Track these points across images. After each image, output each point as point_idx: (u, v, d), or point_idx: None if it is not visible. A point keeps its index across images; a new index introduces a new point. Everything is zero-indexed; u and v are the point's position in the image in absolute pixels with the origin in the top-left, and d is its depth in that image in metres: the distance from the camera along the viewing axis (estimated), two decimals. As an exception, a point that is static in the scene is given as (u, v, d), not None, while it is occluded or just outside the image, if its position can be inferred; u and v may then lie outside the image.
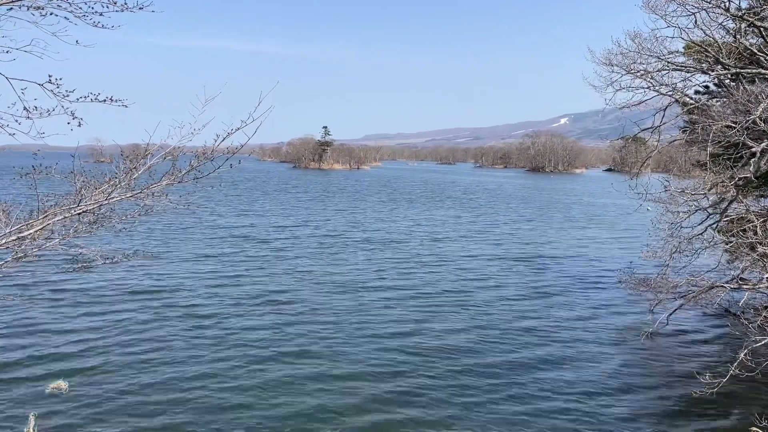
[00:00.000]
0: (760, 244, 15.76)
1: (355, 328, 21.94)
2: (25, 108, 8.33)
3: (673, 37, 20.56)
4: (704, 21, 19.36)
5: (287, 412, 14.96)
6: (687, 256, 20.42)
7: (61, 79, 8.25)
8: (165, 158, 9.46)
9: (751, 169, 17.34)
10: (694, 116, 20.46)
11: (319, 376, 17.31)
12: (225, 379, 16.90)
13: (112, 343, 19.58)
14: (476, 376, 17.62)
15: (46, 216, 9.08)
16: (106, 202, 9.26)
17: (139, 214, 10.59)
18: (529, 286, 29.85)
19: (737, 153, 18.15)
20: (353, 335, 21.16)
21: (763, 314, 14.61)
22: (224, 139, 8.94)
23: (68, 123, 8.48)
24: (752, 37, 20.37)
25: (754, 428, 14.04)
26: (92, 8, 8.45)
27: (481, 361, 18.97)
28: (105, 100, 8.78)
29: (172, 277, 29.40)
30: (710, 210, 20.94)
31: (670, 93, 21.84)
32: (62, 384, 15.85)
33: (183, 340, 20.03)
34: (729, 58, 19.22)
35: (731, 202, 20.19)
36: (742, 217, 18.76)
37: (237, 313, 23.54)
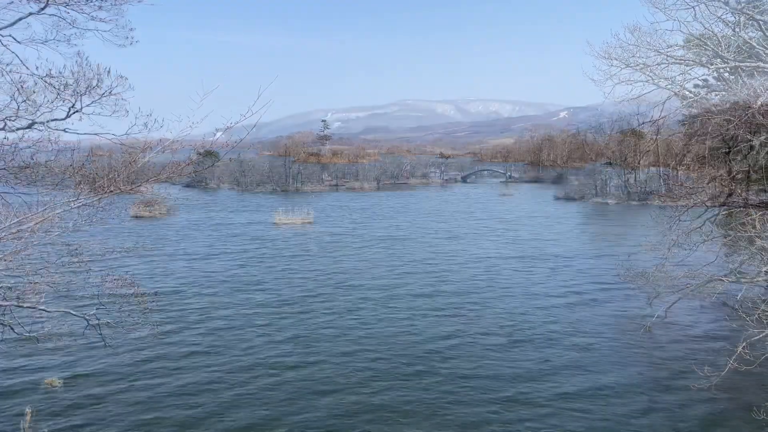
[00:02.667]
0: (759, 237, 15.81)
1: (358, 327, 22.00)
2: (25, 101, 8.35)
3: (672, 31, 20.47)
4: (704, 14, 19.31)
5: (293, 415, 15.01)
6: (685, 249, 20.42)
7: (62, 71, 8.27)
8: (164, 151, 9.49)
9: (749, 162, 17.34)
10: (693, 110, 20.42)
11: (327, 379, 17.38)
12: (224, 378, 16.95)
13: (111, 339, 19.59)
14: (475, 372, 17.70)
15: (46, 209, 9.11)
16: (106, 195, 9.29)
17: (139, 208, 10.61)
18: (530, 283, 29.93)
19: (736, 146, 18.14)
20: (357, 334, 21.22)
21: (761, 307, 14.66)
22: (223, 132, 8.98)
23: (70, 116, 8.50)
24: (751, 31, 20.31)
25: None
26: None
27: (480, 355, 19.06)
28: (104, 93, 8.79)
29: (174, 274, 29.41)
30: (709, 203, 20.93)
31: (669, 86, 21.78)
32: (55, 381, 15.73)
33: (183, 339, 20.06)
34: (728, 52, 19.19)
35: (729, 195, 20.19)
36: (740, 211, 18.79)
37: (239, 311, 23.60)
